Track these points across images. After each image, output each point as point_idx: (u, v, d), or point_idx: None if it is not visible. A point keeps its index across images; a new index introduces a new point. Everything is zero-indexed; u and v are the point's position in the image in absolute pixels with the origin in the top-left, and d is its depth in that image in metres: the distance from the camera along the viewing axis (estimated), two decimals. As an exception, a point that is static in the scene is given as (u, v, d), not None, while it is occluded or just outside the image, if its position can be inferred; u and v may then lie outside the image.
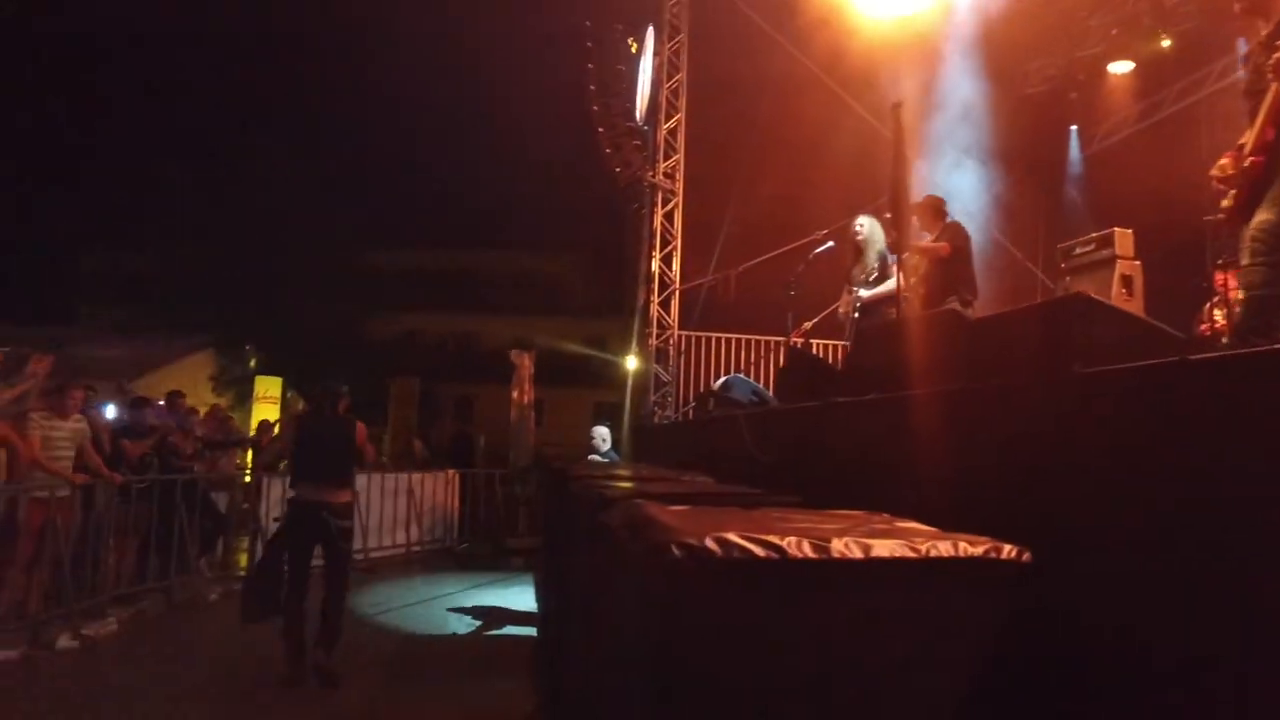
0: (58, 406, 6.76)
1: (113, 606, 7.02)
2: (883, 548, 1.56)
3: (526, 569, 10.19)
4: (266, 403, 15.88)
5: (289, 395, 17.38)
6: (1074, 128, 10.28)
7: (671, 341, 10.13)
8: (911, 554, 1.57)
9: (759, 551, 1.52)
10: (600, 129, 10.22)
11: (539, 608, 6.07)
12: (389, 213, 26.84)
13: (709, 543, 1.50)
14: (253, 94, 24.22)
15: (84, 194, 25.39)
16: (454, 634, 6.95)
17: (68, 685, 5.40)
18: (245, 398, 17.29)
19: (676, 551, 1.48)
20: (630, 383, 11.06)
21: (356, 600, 8.17)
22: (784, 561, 1.51)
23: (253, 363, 19.57)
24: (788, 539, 1.54)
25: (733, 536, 1.51)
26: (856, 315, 6.19)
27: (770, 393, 6.10)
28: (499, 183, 28.55)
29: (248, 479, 10.04)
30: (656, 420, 9.63)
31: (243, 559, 9.42)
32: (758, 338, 9.75)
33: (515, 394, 12.97)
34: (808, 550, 1.53)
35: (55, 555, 6.38)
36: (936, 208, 5.76)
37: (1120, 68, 9.37)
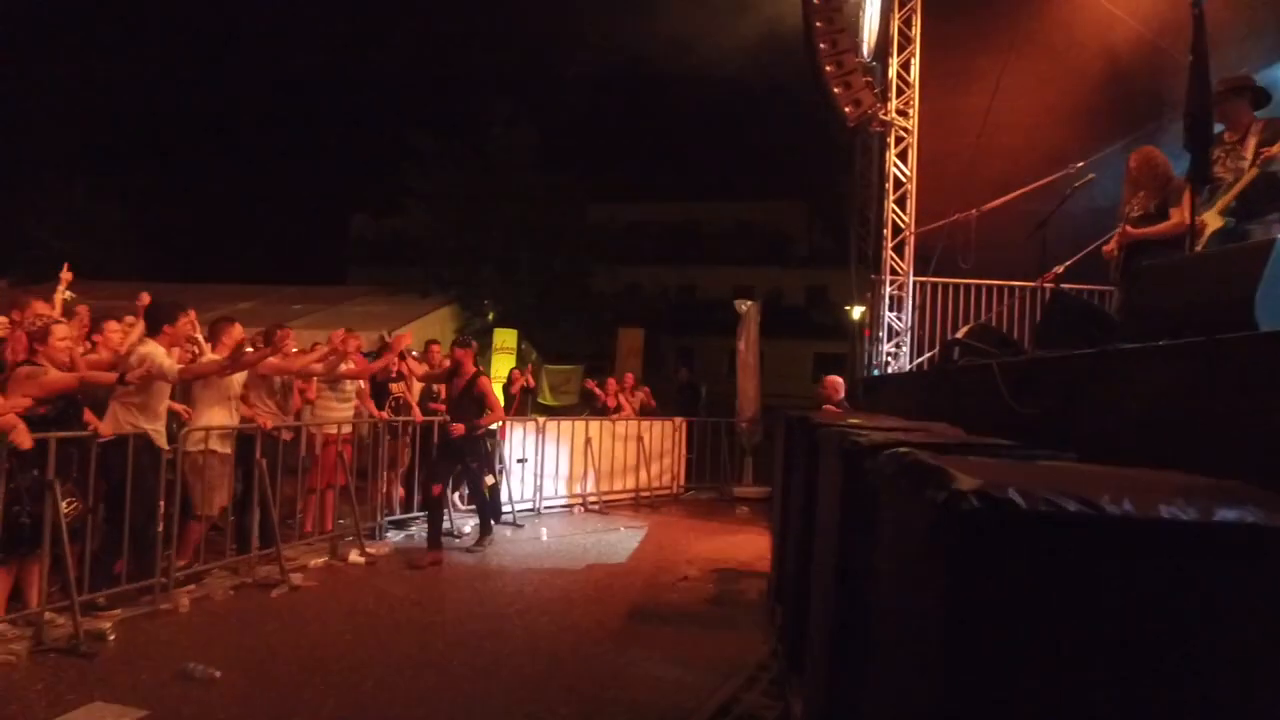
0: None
1: (388, 530, 7.94)
2: (1228, 511, 1.34)
3: (752, 518, 10.26)
4: (503, 353, 16.97)
5: (523, 346, 18.48)
6: None
7: (906, 289, 9.62)
8: (1265, 522, 1.34)
9: (1070, 506, 1.36)
10: (828, 68, 9.74)
11: (773, 557, 6.07)
12: (613, 167, 27.62)
13: (1012, 494, 1.36)
14: (483, 59, 25.68)
15: (351, 166, 28.41)
16: (685, 578, 7.13)
17: (358, 592, 6.24)
18: (485, 348, 18.61)
19: (975, 502, 1.36)
20: (858, 332, 10.67)
21: (594, 543, 8.60)
22: (1101, 518, 1.34)
23: (490, 316, 20.96)
24: (1103, 494, 1.36)
25: (1039, 489, 1.36)
26: (1121, 254, 5.53)
27: (1022, 340, 5.61)
28: (722, 130, 28.37)
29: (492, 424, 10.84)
30: (890, 370, 9.23)
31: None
32: (1001, 283, 9.03)
33: (740, 344, 12.96)
34: (1130, 507, 1.35)
35: (343, 483, 7.32)
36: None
37: None
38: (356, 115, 29.23)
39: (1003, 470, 1.70)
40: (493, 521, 8.14)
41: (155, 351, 5.46)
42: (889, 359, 9.37)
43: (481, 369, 8.13)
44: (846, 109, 9.63)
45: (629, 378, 12.78)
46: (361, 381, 7.94)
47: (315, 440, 7.23)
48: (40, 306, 5.73)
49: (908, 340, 9.44)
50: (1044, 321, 4.72)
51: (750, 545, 8.38)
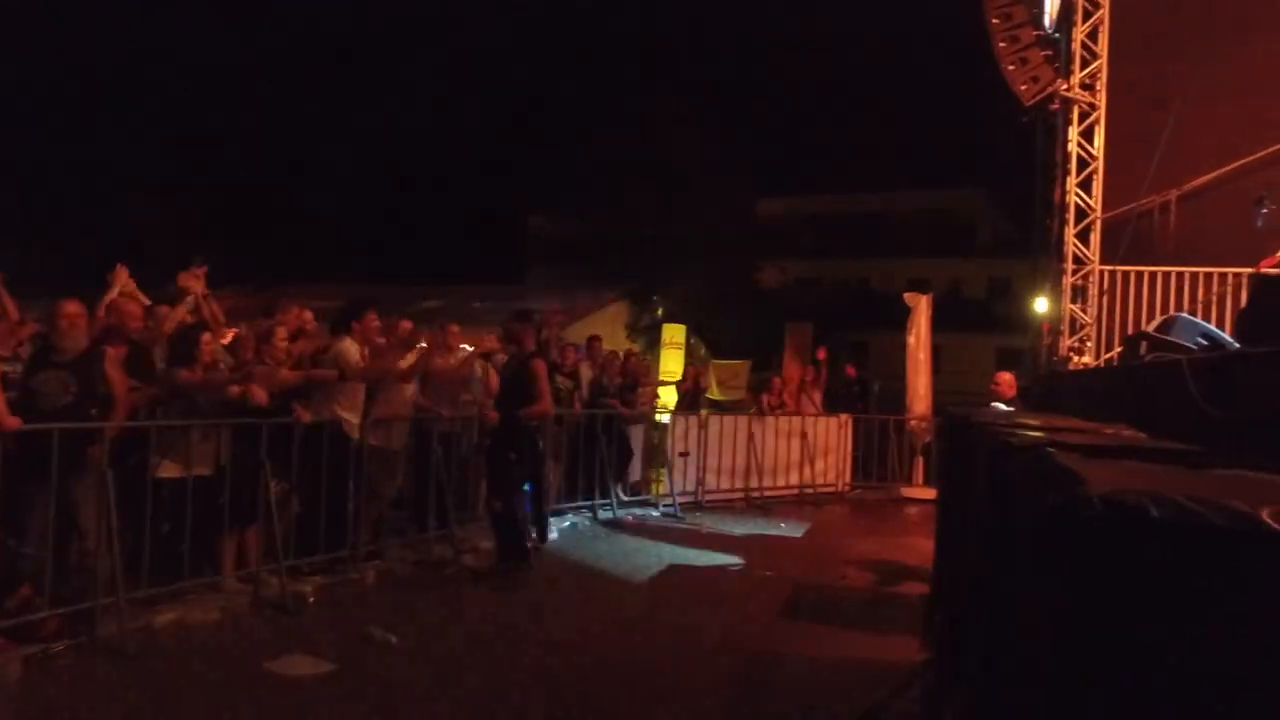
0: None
1: (551, 519, 8.27)
2: None
3: (921, 520, 9.85)
4: (672, 348, 17.16)
5: (692, 341, 18.63)
6: None
7: (1091, 279, 8.88)
8: None
9: (1217, 519, 1.23)
10: (1002, 43, 9.16)
11: (935, 561, 5.81)
12: (781, 159, 27.27)
13: (1145, 501, 1.25)
14: (646, 53, 25.97)
15: (529, 167, 29.74)
16: (843, 578, 6.98)
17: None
18: (654, 343, 18.88)
19: (1100, 507, 1.26)
20: (1039, 326, 9.97)
21: (754, 538, 8.57)
22: (1258, 534, 1.21)
23: (659, 311, 21.29)
24: (1265, 508, 1.23)
25: (1179, 497, 1.25)
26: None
27: (1228, 335, 5.04)
28: (891, 116, 27.31)
29: (659, 417, 11.02)
30: (1072, 367, 8.56)
31: (655, 487, 10.41)
32: (1206, 270, 8.12)
33: (910, 339, 12.47)
34: (1294, 522, 1.21)
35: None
36: None
37: None
38: (536, 116, 30.61)
39: (1153, 476, 1.57)
40: (526, 545, 6.40)
41: (347, 348, 6.01)
42: (1072, 354, 8.68)
43: (537, 350, 6.70)
44: (1022, 87, 9.03)
45: (795, 375, 12.60)
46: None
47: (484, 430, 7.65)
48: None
49: (1094, 334, 8.72)
50: (1248, 312, 4.22)
51: (915, 549, 8.04)
